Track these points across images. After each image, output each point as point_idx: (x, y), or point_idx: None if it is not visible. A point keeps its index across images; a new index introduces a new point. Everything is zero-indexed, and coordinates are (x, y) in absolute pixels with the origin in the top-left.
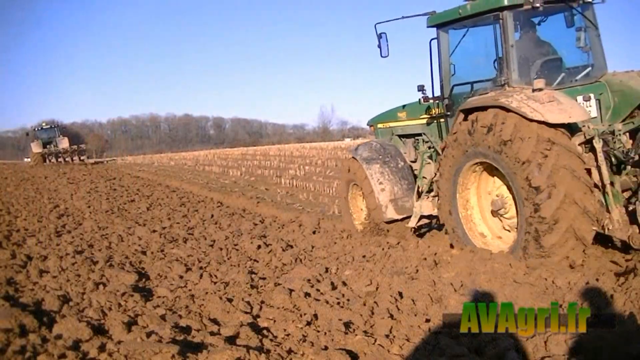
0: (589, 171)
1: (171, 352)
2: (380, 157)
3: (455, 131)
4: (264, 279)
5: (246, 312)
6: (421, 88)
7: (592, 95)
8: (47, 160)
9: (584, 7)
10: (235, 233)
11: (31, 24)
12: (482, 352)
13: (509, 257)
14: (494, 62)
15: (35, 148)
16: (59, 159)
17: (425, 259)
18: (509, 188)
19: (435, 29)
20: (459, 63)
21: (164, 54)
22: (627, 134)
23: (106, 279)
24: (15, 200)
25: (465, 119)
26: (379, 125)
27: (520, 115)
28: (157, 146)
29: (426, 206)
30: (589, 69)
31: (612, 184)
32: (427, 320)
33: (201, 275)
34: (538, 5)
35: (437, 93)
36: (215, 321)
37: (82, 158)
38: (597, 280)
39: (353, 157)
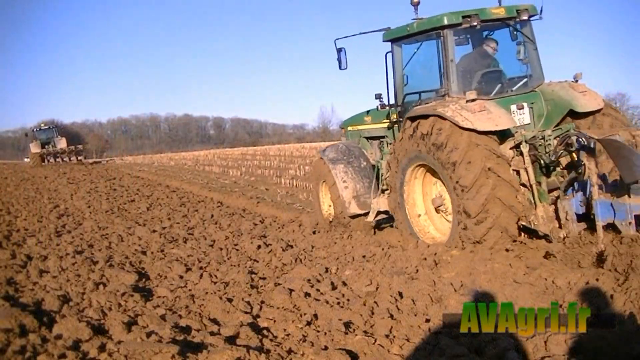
0: (518, 172)
1: (171, 352)
2: (345, 157)
3: (400, 136)
4: (264, 279)
5: (246, 312)
6: (379, 96)
7: (525, 104)
8: (46, 161)
9: (522, 24)
10: (235, 233)
11: (31, 24)
12: (482, 352)
13: (509, 257)
14: (440, 74)
15: (34, 148)
16: (57, 159)
17: (425, 259)
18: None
19: (390, 43)
20: (410, 74)
21: (164, 54)
22: (557, 139)
23: (106, 279)
24: (15, 200)
25: (410, 126)
26: (349, 128)
27: (454, 123)
28: (157, 146)
29: (382, 202)
30: (526, 79)
31: (539, 183)
32: (427, 320)
33: (201, 275)
34: (475, 24)
35: (392, 101)
36: (215, 321)
37: (79, 158)
38: (597, 280)
39: (321, 158)
